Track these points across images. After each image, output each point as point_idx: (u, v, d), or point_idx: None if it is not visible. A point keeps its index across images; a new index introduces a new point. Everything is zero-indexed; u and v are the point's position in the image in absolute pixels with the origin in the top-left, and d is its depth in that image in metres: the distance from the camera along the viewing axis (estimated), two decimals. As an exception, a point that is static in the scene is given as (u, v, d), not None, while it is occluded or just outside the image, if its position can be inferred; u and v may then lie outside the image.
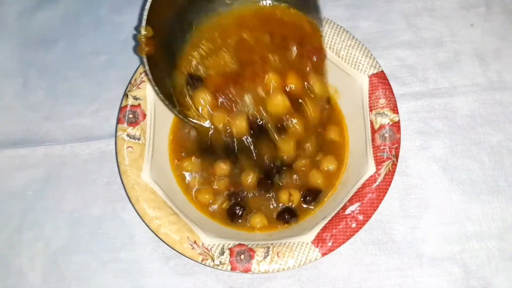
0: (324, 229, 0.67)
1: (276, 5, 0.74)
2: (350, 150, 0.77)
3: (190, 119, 0.72)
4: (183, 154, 0.77)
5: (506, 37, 0.86)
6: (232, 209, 0.73)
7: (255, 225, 0.73)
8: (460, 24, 0.88)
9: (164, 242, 0.67)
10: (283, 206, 0.74)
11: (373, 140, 0.72)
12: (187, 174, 0.77)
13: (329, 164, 0.76)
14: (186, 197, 0.75)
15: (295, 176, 0.75)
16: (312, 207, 0.74)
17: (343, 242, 0.66)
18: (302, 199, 0.74)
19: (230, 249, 0.66)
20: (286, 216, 0.72)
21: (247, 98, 0.70)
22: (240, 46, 0.72)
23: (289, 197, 0.73)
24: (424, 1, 0.90)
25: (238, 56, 0.72)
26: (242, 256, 0.66)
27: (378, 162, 0.70)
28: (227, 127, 0.71)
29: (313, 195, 0.74)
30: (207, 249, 0.66)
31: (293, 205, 0.74)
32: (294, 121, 0.71)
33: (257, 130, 0.71)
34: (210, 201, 0.75)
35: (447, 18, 0.88)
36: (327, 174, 0.76)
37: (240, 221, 0.73)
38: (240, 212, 0.73)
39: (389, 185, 0.69)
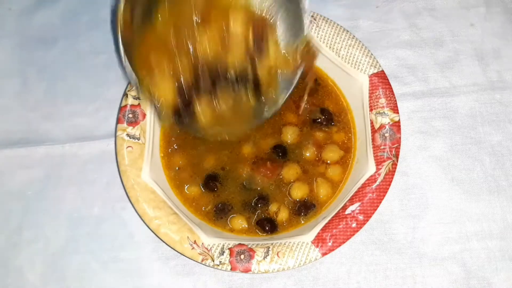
0: (324, 229, 0.67)
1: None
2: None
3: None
4: (174, 146, 0.76)
5: (506, 37, 0.86)
6: (218, 205, 0.73)
7: (236, 227, 0.72)
8: (460, 23, 0.88)
9: (164, 242, 0.67)
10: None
11: (373, 139, 0.72)
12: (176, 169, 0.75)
13: (334, 174, 0.74)
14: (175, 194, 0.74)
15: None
16: (302, 221, 0.72)
17: (343, 242, 0.66)
18: (296, 210, 0.72)
19: (230, 249, 0.66)
20: (266, 226, 0.71)
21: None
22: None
23: (277, 211, 0.72)
24: (424, 0, 0.89)
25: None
26: (242, 256, 0.66)
27: (378, 162, 0.70)
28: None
29: (305, 209, 0.72)
30: (207, 249, 0.66)
31: (276, 219, 0.72)
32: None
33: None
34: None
35: (447, 18, 0.88)
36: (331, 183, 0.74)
37: (223, 218, 0.72)
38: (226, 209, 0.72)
39: (389, 185, 0.69)
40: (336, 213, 0.68)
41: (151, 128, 0.74)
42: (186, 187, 0.74)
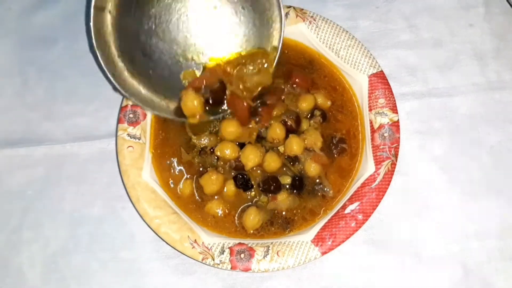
0: (323, 228, 0.68)
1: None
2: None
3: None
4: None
5: (505, 37, 0.87)
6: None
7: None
8: (460, 24, 0.88)
9: (165, 241, 0.68)
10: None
11: (372, 139, 0.72)
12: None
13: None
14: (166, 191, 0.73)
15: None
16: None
17: (343, 241, 0.67)
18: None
19: (230, 248, 0.67)
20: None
21: None
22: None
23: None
24: (424, 1, 0.90)
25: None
26: (242, 255, 0.66)
27: (378, 162, 0.70)
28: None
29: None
30: (207, 248, 0.67)
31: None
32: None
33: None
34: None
35: (446, 18, 0.88)
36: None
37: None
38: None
39: (389, 184, 0.69)
40: (335, 212, 0.69)
41: (151, 128, 0.74)
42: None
